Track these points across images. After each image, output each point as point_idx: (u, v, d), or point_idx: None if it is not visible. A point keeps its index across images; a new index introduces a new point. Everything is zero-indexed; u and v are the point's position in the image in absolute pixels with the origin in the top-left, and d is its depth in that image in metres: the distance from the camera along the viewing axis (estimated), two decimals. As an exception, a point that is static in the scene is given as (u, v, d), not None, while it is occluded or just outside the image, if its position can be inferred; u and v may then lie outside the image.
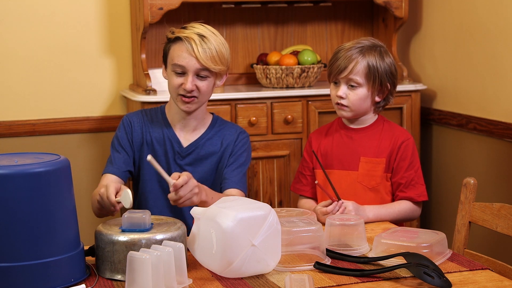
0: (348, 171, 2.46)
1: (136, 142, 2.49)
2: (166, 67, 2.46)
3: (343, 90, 2.43)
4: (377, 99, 2.46)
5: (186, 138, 2.50)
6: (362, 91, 2.42)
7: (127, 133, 2.49)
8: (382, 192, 2.45)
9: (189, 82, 2.37)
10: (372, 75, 2.41)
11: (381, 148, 2.46)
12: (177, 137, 2.49)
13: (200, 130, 2.51)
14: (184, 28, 2.42)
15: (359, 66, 2.41)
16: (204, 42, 2.36)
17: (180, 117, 2.48)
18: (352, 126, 2.51)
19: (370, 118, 2.50)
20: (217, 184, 2.50)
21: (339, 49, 2.46)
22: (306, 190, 2.55)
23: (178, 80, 2.39)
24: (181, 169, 2.47)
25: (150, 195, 2.49)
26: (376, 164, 2.44)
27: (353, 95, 2.43)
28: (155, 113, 2.53)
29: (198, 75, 2.38)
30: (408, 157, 2.44)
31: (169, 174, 2.46)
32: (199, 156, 2.48)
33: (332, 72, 2.45)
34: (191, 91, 2.38)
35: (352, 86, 2.42)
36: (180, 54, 2.37)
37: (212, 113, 2.56)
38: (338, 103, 2.45)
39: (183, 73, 2.38)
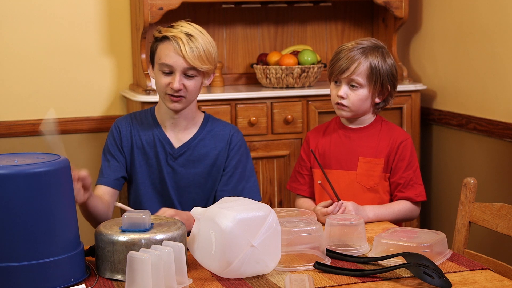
0: (346, 171, 2.46)
1: (126, 147, 2.48)
2: (153, 66, 2.44)
3: (344, 90, 2.43)
4: (377, 100, 2.46)
5: (178, 138, 2.48)
6: (363, 92, 2.42)
7: (115, 139, 2.48)
8: (380, 192, 2.45)
9: (177, 82, 2.35)
10: (374, 76, 2.41)
11: (379, 148, 2.45)
12: (168, 138, 2.47)
13: (191, 130, 2.49)
14: (171, 27, 2.40)
15: (361, 67, 2.40)
16: (192, 41, 2.34)
17: (169, 117, 2.46)
18: (350, 126, 2.51)
19: (369, 118, 2.50)
20: (209, 187, 2.48)
21: (341, 49, 2.45)
22: (303, 189, 2.55)
23: (165, 79, 2.38)
24: (174, 171, 2.46)
25: (144, 198, 2.47)
26: (374, 164, 2.44)
27: (354, 96, 2.42)
28: (145, 115, 2.52)
29: (185, 74, 2.37)
30: (406, 157, 2.44)
31: (162, 175, 2.46)
32: (191, 158, 2.47)
33: (334, 72, 2.44)
34: (179, 90, 2.36)
35: (353, 86, 2.42)
36: (167, 54, 2.35)
37: (203, 112, 2.55)
38: (338, 103, 2.45)
39: (170, 72, 2.37)
